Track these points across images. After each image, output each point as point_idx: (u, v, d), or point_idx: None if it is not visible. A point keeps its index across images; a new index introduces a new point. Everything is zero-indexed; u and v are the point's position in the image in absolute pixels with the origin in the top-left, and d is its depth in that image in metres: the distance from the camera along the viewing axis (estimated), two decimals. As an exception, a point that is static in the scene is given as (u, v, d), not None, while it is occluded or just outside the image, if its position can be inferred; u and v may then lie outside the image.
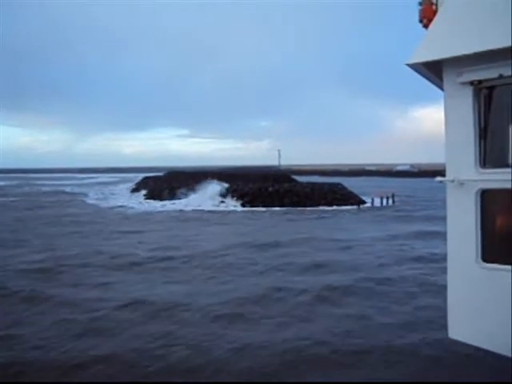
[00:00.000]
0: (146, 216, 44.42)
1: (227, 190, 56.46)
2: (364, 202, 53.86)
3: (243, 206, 52.33)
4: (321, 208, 50.18)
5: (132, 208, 52.70)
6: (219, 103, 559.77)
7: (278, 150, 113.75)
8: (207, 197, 55.78)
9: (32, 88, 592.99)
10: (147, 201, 62.08)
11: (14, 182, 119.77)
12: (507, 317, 4.64)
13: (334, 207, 50.94)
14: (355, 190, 61.24)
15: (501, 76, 4.71)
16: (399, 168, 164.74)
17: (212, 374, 10.46)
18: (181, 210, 49.47)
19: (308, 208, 50.12)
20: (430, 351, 11.35)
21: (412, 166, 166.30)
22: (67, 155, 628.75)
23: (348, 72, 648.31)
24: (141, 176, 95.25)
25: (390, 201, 55.69)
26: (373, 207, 50.17)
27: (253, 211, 48.05)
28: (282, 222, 40.43)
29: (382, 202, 52.84)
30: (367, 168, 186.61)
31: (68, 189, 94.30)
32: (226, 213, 47.37)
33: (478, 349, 5.18)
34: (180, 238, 29.70)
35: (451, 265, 5.30)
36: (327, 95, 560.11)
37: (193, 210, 49.29)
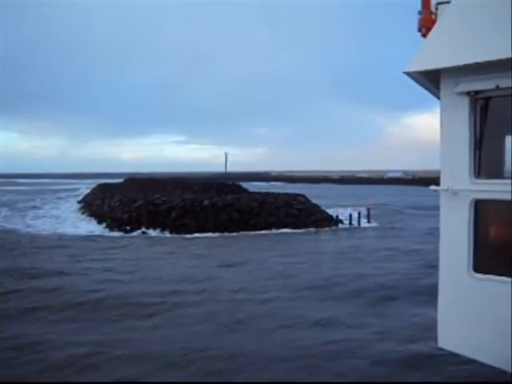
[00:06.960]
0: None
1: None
2: (330, 221, 39.66)
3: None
4: (263, 232, 35.81)
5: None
6: (215, 111, 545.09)
7: (225, 153, 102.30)
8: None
9: (30, 95, 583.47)
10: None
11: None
12: (497, 327, 4.54)
13: (285, 229, 36.89)
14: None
15: (497, 87, 4.60)
16: (391, 175, 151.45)
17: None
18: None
19: (245, 232, 35.84)
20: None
21: (405, 172, 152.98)
22: (63, 161, 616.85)
23: (343, 80, 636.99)
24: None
25: (364, 220, 41.51)
26: (337, 228, 35.63)
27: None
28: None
29: (350, 221, 38.58)
30: (358, 175, 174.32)
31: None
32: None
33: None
34: None
35: (443, 274, 5.09)
36: (322, 103, 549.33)
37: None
